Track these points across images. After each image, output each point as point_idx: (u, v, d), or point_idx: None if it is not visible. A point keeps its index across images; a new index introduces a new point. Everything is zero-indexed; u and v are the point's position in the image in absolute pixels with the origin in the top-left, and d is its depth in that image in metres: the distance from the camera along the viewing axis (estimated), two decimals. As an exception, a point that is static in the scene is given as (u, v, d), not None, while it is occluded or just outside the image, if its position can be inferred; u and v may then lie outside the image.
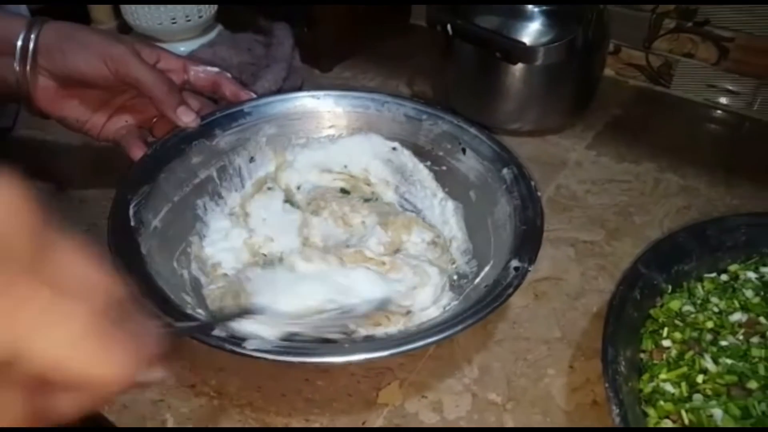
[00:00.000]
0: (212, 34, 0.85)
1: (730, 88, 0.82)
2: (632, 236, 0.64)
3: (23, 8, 0.75)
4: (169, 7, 0.79)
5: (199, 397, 0.49)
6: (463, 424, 0.48)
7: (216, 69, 0.62)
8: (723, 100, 0.83)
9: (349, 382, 0.50)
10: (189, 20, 0.81)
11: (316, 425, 0.48)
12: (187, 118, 0.57)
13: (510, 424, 0.48)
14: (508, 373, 0.52)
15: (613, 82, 0.88)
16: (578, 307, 0.57)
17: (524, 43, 0.67)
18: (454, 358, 0.53)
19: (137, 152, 0.56)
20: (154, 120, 0.61)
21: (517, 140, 0.76)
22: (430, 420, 0.48)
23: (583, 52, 0.69)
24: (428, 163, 0.63)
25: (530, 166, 0.71)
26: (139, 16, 0.79)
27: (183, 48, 0.81)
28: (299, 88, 0.81)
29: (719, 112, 0.83)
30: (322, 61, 0.87)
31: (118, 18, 0.89)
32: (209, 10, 0.83)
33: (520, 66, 0.70)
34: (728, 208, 0.67)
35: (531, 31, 0.70)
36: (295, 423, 0.48)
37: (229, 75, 0.62)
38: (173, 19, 0.80)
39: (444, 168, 0.62)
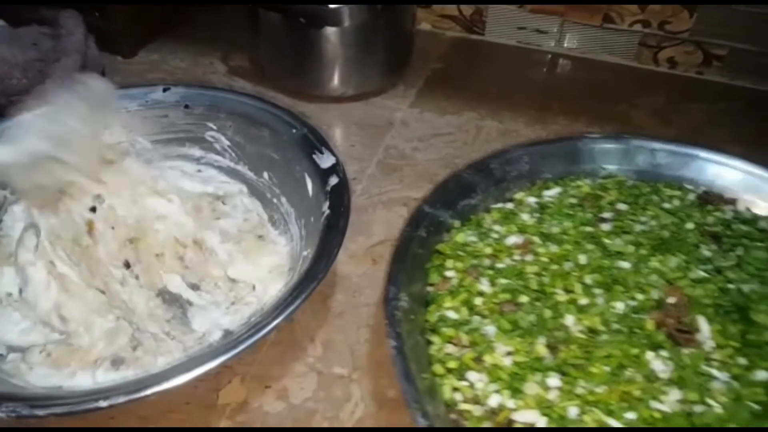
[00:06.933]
0: (-11, 32, 0.75)
1: (539, 28, 0.86)
2: (460, 186, 0.65)
3: None
4: (-73, 6, 0.68)
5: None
6: (310, 405, 0.47)
7: None
8: (534, 40, 0.87)
9: (185, 389, 0.47)
10: (-44, 19, 0.71)
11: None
12: None
13: (357, 393, 0.48)
14: (351, 344, 0.51)
15: (431, 35, 0.88)
16: (415, 265, 0.58)
17: (326, 5, 0.65)
18: (295, 340, 0.51)
19: None
20: None
21: (342, 106, 0.75)
22: (276, 409, 0.47)
23: (387, 9, 0.68)
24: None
25: (357, 132, 0.72)
26: None
27: (-45, 52, 0.71)
28: (100, 80, 0.74)
29: (533, 52, 0.86)
30: (123, 47, 0.80)
31: None
32: (-20, 5, 0.73)
33: (330, 30, 0.68)
34: (545, 144, 0.70)
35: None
36: (132, 444, 0.44)
37: None
38: (-65, 19, 0.70)
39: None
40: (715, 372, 0.44)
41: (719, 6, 0.76)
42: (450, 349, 0.45)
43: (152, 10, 0.82)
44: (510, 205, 0.58)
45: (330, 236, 0.48)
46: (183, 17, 0.88)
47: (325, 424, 0.46)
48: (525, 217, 0.56)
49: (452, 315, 0.48)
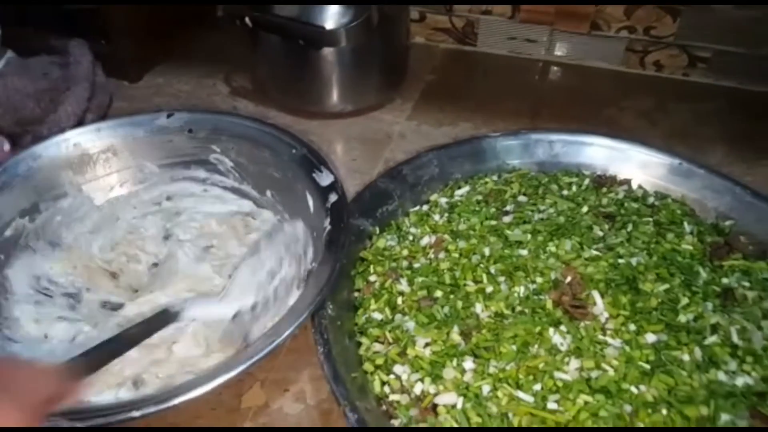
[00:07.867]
0: (0, 64, 0.78)
1: (529, 37, 0.89)
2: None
3: None
4: (-58, 41, 0.71)
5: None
6: (326, 405, 0.50)
7: None
8: (525, 49, 0.90)
9: (210, 396, 0.49)
10: (-31, 52, 0.74)
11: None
12: None
13: (371, 396, 0.50)
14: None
15: (425, 48, 0.91)
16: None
17: (323, 27, 0.68)
18: (310, 345, 0.53)
19: None
20: None
21: (343, 122, 0.78)
22: (295, 410, 0.49)
23: (382, 26, 0.71)
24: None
25: (358, 146, 0.75)
26: None
27: (-31, 83, 0.74)
28: (108, 106, 0.77)
29: (524, 61, 0.89)
30: (129, 72, 0.83)
31: None
32: (-9, 38, 0.76)
33: (328, 51, 0.71)
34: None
35: (332, 14, 0.70)
36: (160, 450, 0.47)
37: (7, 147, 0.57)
38: (-51, 53, 0.73)
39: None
40: (609, 340, 0.48)
41: (702, 10, 0.79)
42: (377, 347, 0.50)
43: (157, 34, 0.85)
44: (426, 208, 0.62)
45: (332, 251, 0.52)
46: (185, 40, 0.91)
47: (341, 423, 0.48)
48: (436, 217, 0.60)
49: (377, 316, 0.52)
